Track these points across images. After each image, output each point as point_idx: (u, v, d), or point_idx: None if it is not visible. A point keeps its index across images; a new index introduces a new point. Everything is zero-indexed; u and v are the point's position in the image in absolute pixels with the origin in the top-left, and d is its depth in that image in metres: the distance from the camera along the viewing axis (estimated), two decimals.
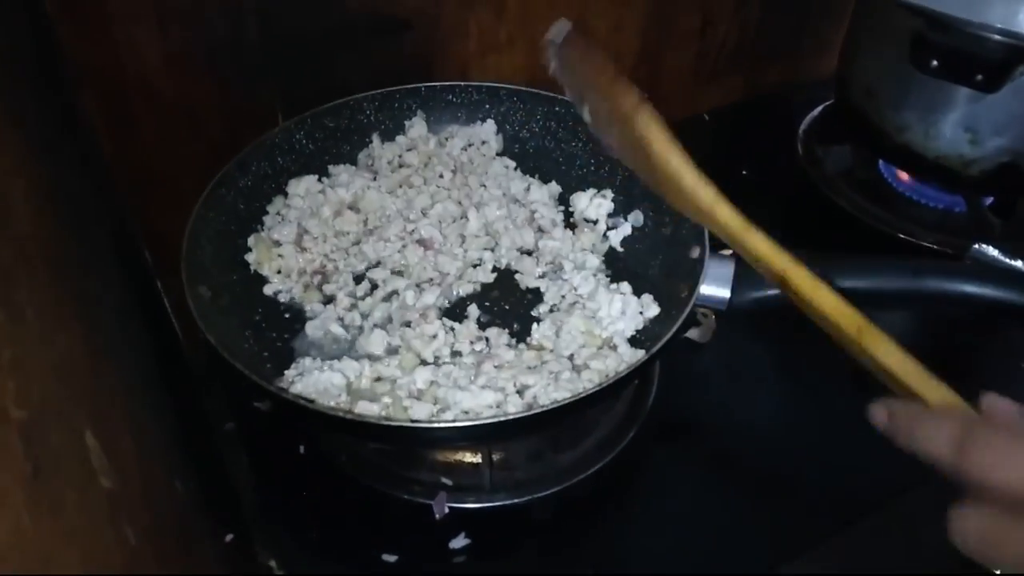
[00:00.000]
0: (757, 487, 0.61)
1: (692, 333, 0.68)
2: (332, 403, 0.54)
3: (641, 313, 0.61)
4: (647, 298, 0.62)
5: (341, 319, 0.62)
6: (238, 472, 0.60)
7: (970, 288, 0.52)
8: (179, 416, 0.49)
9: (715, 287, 0.57)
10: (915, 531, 0.56)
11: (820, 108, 0.95)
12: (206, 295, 0.58)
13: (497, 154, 0.76)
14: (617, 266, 0.67)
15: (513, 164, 0.75)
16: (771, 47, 0.99)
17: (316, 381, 0.54)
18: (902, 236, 0.79)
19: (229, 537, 0.48)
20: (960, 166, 0.75)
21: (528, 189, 0.72)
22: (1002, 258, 0.67)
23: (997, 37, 0.66)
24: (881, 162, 0.87)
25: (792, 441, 0.64)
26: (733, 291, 0.56)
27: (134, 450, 0.31)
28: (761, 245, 0.46)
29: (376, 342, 0.59)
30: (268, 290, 0.64)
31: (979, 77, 0.68)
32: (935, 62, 0.70)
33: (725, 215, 0.48)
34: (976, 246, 0.69)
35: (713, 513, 0.59)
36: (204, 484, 0.47)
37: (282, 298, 0.63)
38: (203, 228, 0.61)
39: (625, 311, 0.61)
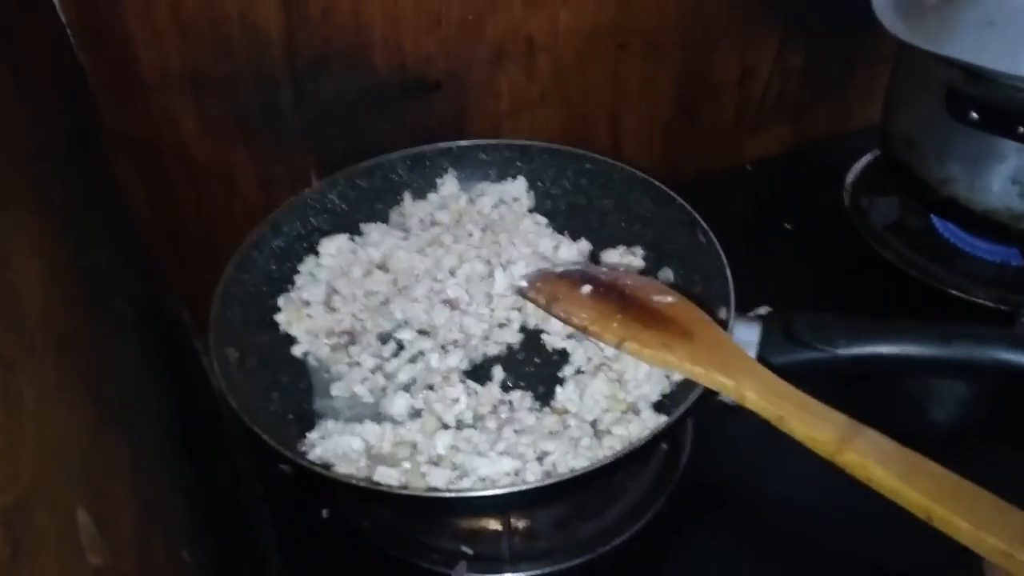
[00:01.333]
0: (794, 561, 0.59)
1: (726, 395, 0.67)
2: (352, 468, 0.54)
3: (668, 376, 0.61)
4: None
5: (366, 380, 0.63)
6: (265, 537, 0.61)
7: (1006, 355, 0.51)
8: (201, 482, 0.51)
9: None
10: None
11: (868, 157, 0.93)
12: (233, 356, 0.60)
13: (528, 211, 0.77)
14: None
15: (544, 221, 0.76)
16: (815, 95, 0.98)
17: (336, 445, 0.55)
18: (954, 292, 0.76)
19: None
20: (1010, 220, 0.72)
21: (557, 247, 0.73)
22: None
23: None
24: (934, 217, 0.85)
25: (832, 513, 0.61)
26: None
27: (135, 523, 0.32)
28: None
29: (399, 405, 0.60)
30: (296, 351, 0.66)
31: (1021, 129, 0.66)
32: (974, 114, 0.68)
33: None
34: None
35: None
36: (219, 552, 0.48)
37: (310, 360, 0.65)
38: (234, 290, 0.63)
39: (651, 374, 0.60)
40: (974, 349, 0.51)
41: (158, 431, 0.44)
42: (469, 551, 0.58)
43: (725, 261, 0.60)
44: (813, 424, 0.47)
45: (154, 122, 0.65)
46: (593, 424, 0.57)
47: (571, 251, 0.72)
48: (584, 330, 0.59)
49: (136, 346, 0.47)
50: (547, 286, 0.63)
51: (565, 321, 0.60)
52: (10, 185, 0.32)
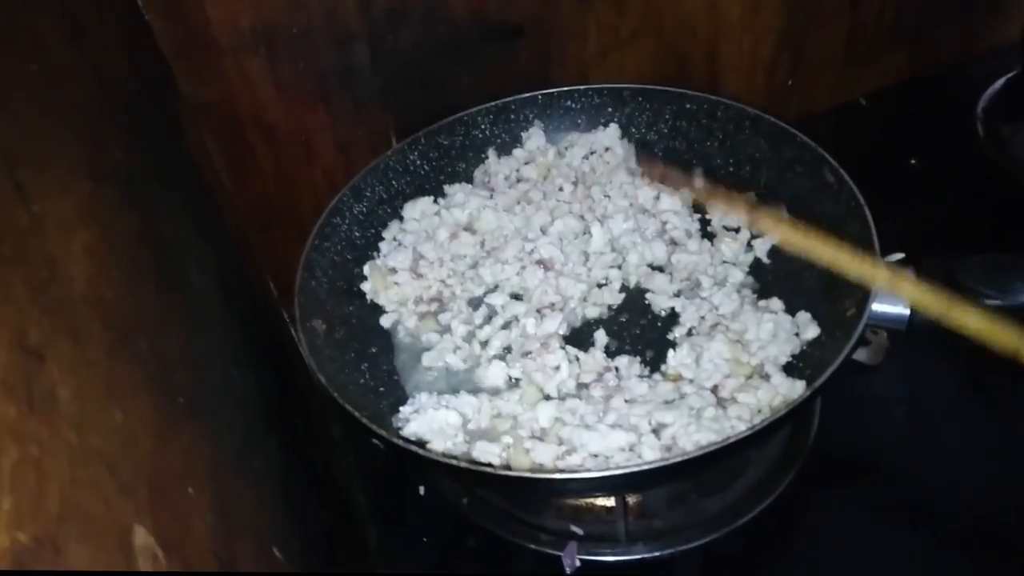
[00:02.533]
0: (950, 538, 0.50)
1: (860, 354, 0.58)
2: (448, 443, 0.49)
3: (797, 335, 0.52)
4: (804, 317, 0.53)
5: (458, 350, 0.57)
6: (360, 512, 0.57)
7: None
8: (292, 465, 0.46)
9: (891, 303, 0.47)
10: None
11: (1003, 81, 0.81)
12: (320, 328, 0.56)
13: (623, 161, 0.69)
14: (766, 280, 0.58)
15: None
16: (939, 16, 0.85)
17: (431, 420, 0.50)
18: None
19: None
20: None
21: (658, 197, 0.65)
22: None
23: None
24: None
25: (987, 485, 0.52)
26: (914, 307, 0.46)
27: (211, 528, 0.27)
28: None
29: (495, 374, 0.54)
30: (384, 321, 0.60)
31: None
32: None
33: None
34: None
35: (891, 572, 0.49)
36: (315, 537, 0.43)
37: (399, 330, 0.60)
38: (318, 259, 0.59)
39: (777, 333, 0.52)
40: None
41: (244, 417, 0.39)
42: (579, 531, 0.52)
43: (863, 201, 0.51)
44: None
45: (229, 86, 0.60)
46: (714, 391, 0.50)
47: (674, 201, 0.64)
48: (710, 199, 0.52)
49: (218, 325, 0.43)
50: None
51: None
52: (52, 142, 0.27)
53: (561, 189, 0.67)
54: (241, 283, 0.55)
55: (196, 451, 0.29)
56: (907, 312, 0.47)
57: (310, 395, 0.63)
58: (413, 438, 0.49)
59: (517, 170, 0.69)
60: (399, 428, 0.51)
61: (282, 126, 0.65)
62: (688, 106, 0.66)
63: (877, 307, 0.46)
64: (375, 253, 0.64)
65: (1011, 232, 0.69)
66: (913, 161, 0.76)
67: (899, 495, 0.53)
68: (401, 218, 0.66)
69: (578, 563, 0.50)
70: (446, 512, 0.55)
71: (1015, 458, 0.54)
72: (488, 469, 0.44)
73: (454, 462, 0.43)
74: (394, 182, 0.67)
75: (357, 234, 0.64)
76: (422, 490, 0.56)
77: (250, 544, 0.31)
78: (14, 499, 0.17)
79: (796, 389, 0.48)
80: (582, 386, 0.53)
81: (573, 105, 0.70)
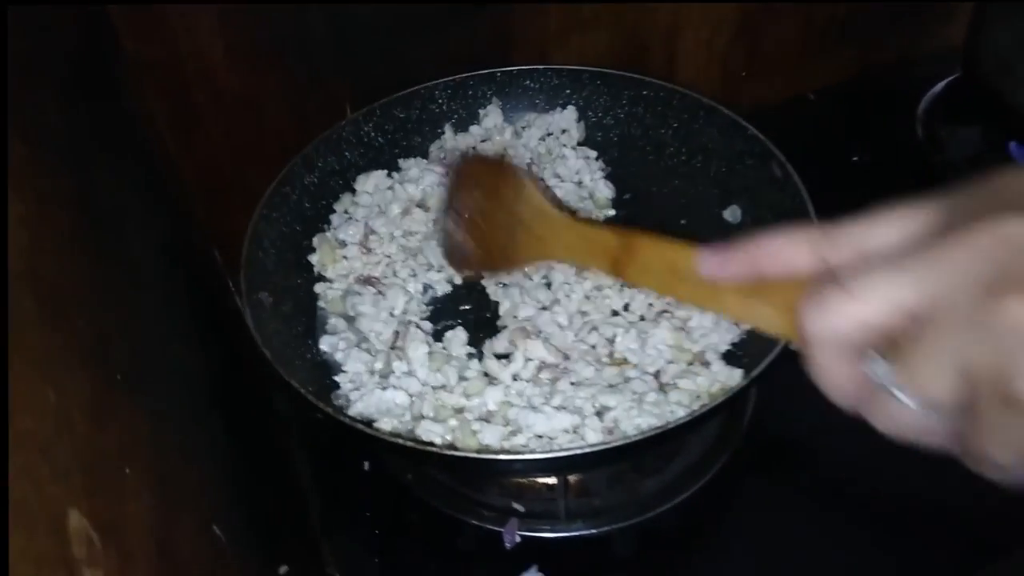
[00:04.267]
0: (873, 521, 0.53)
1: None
2: (396, 423, 0.49)
3: (738, 325, 0.53)
4: None
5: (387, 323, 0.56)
6: (303, 487, 0.56)
7: None
8: (234, 438, 0.45)
9: None
10: None
11: (944, 84, 0.83)
12: (267, 301, 0.55)
13: (578, 143, 0.69)
14: None
15: (594, 154, 0.68)
16: (890, 16, 0.87)
17: (379, 400, 0.50)
18: None
19: (284, 569, 0.44)
20: None
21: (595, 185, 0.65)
22: None
23: None
24: (1013, 145, 0.74)
25: (911, 469, 0.54)
26: None
27: (150, 509, 0.26)
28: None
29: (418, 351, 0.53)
30: (317, 289, 0.59)
31: None
32: None
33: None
34: None
35: (818, 552, 0.51)
36: (258, 514, 0.43)
37: (320, 304, 0.59)
38: (266, 230, 0.58)
39: (719, 321, 0.53)
40: None
41: (186, 393, 0.38)
42: (520, 508, 0.53)
43: (807, 196, 0.52)
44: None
45: (176, 45, 0.58)
46: (656, 376, 0.50)
47: (609, 190, 0.64)
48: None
49: (160, 297, 0.41)
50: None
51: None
52: None
53: None
54: (186, 253, 0.53)
55: (134, 430, 0.29)
56: None
57: (253, 368, 0.62)
58: (360, 417, 0.48)
59: (473, 148, 0.69)
60: (342, 405, 0.50)
61: (232, 91, 0.62)
62: (645, 92, 0.67)
63: None
64: (325, 226, 0.63)
65: None
66: (855, 157, 0.78)
67: (824, 477, 0.56)
68: (353, 191, 0.65)
69: (518, 539, 0.51)
70: (390, 487, 0.55)
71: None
72: (436, 449, 0.44)
73: (402, 442, 0.43)
74: (347, 153, 0.65)
75: (307, 205, 0.63)
76: (367, 465, 0.56)
77: (190, 523, 0.31)
78: None
79: (734, 377, 0.49)
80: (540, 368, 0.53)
81: (532, 85, 0.70)
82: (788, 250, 0.30)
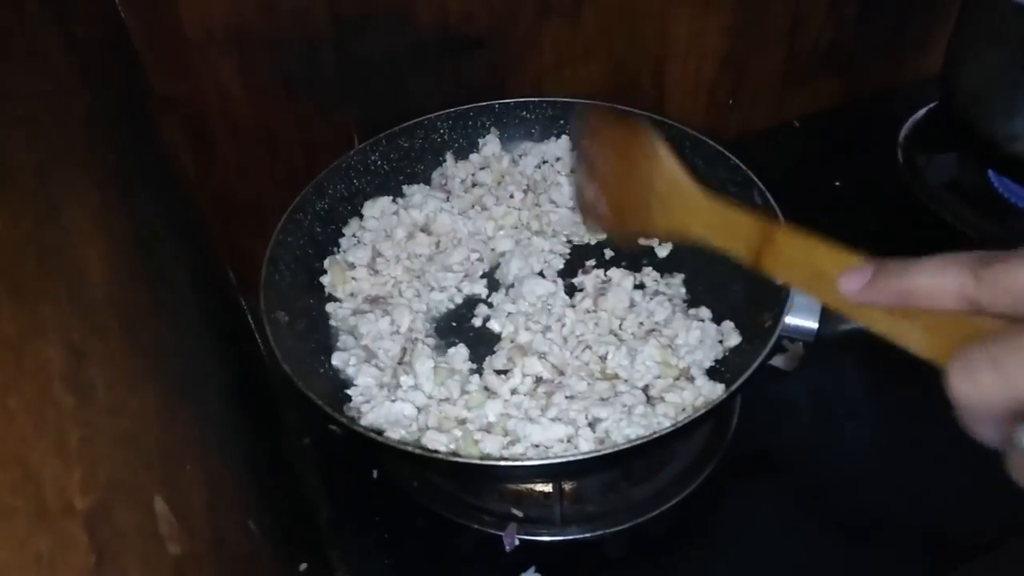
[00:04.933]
0: (845, 528, 0.58)
1: (777, 360, 0.66)
2: (403, 432, 0.54)
3: (721, 342, 0.59)
4: (728, 326, 0.60)
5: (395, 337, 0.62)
6: (313, 491, 0.62)
7: None
8: (255, 443, 0.51)
9: (802, 317, 0.54)
10: None
11: (924, 111, 0.89)
12: (283, 319, 0.60)
13: (571, 171, 0.75)
14: (696, 290, 0.65)
15: None
16: (870, 46, 0.93)
17: (388, 411, 0.55)
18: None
19: (303, 567, 0.49)
20: None
21: None
22: None
23: None
24: (992, 173, 0.81)
25: (884, 479, 0.60)
26: (822, 322, 0.54)
27: (206, 502, 0.32)
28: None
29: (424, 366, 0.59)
30: (328, 308, 0.65)
31: None
32: None
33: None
34: None
35: (797, 555, 0.56)
36: (279, 514, 0.48)
37: (331, 322, 0.64)
38: (281, 254, 0.63)
39: (704, 340, 0.59)
40: None
41: (219, 400, 0.44)
42: (519, 513, 0.58)
43: (783, 221, 0.58)
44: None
45: (198, 82, 0.64)
46: (645, 390, 0.56)
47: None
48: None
49: (194, 314, 0.47)
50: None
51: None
52: (70, 157, 0.31)
53: (512, 196, 0.73)
54: (208, 275, 0.59)
55: (189, 434, 0.34)
56: (815, 325, 0.54)
57: (266, 383, 0.67)
58: (371, 427, 0.54)
59: (473, 174, 0.74)
60: (354, 416, 0.56)
61: (248, 123, 0.68)
62: None
63: (790, 320, 0.53)
64: (335, 249, 0.69)
65: (921, 252, 0.77)
66: (838, 183, 0.85)
67: (804, 486, 0.61)
68: (361, 216, 0.71)
69: (517, 542, 0.56)
70: (397, 495, 0.60)
71: (904, 455, 0.62)
72: (441, 456, 0.50)
73: (411, 449, 0.49)
74: (355, 181, 0.71)
75: (318, 230, 0.68)
76: (375, 473, 0.61)
77: (232, 517, 0.36)
78: (80, 471, 0.21)
79: (716, 391, 0.55)
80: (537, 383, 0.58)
81: (528, 115, 0.76)
82: (935, 282, 0.29)
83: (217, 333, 0.52)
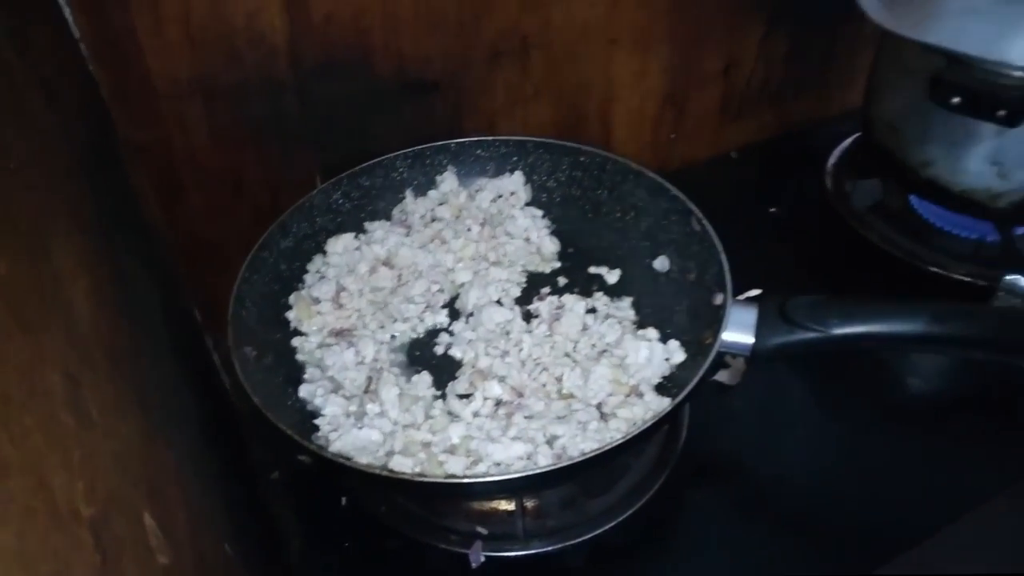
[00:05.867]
0: (791, 529, 0.62)
1: (721, 375, 0.70)
2: (371, 458, 0.57)
3: (667, 360, 0.63)
4: (673, 344, 0.64)
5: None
6: (284, 522, 0.63)
7: (993, 332, 0.53)
8: (227, 475, 0.53)
9: (738, 333, 0.58)
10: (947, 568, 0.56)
11: (849, 141, 0.96)
12: (251, 355, 0.62)
13: (525, 204, 0.79)
14: (644, 312, 0.69)
15: (540, 213, 0.78)
16: (798, 82, 1.00)
17: (356, 438, 0.57)
18: (933, 269, 0.79)
19: None
20: (988, 199, 0.75)
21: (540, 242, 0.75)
22: None
23: (1017, 74, 0.67)
24: (914, 197, 0.87)
25: (824, 482, 0.64)
26: (756, 337, 0.58)
27: (187, 523, 0.34)
28: None
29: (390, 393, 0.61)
30: (294, 343, 0.67)
31: (1001, 113, 0.68)
32: (956, 99, 0.70)
33: None
34: (1008, 277, 0.70)
35: (748, 557, 0.60)
36: (253, 541, 0.50)
37: (298, 356, 0.66)
38: (248, 291, 0.65)
39: (652, 358, 0.63)
40: (964, 326, 0.53)
41: (194, 432, 0.46)
42: (483, 531, 0.60)
43: (720, 248, 0.63)
44: None
45: (166, 130, 0.66)
46: (599, 407, 0.59)
47: (554, 245, 0.75)
48: None
49: (168, 350, 0.49)
50: None
51: None
52: (53, 205, 0.33)
53: (469, 229, 0.76)
54: (178, 314, 0.61)
55: (168, 459, 0.36)
56: (752, 340, 0.58)
57: (234, 419, 0.69)
58: (340, 454, 0.56)
59: (432, 210, 0.78)
60: (323, 444, 0.58)
61: (214, 168, 0.71)
62: (582, 159, 0.77)
63: (727, 336, 0.57)
64: (300, 284, 0.71)
65: (850, 272, 0.83)
66: (773, 209, 0.90)
67: (750, 493, 0.65)
68: (325, 252, 0.73)
69: (483, 558, 0.59)
70: (366, 520, 0.62)
71: (842, 460, 0.66)
72: (407, 477, 0.52)
73: (378, 471, 0.51)
74: (318, 219, 0.74)
75: (283, 267, 0.71)
76: (344, 501, 0.63)
77: (210, 539, 0.38)
78: (83, 483, 0.23)
79: (664, 404, 0.58)
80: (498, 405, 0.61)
81: (483, 153, 0.79)
82: None
83: (189, 370, 0.54)
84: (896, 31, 0.71)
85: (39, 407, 0.22)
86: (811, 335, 0.56)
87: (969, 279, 0.77)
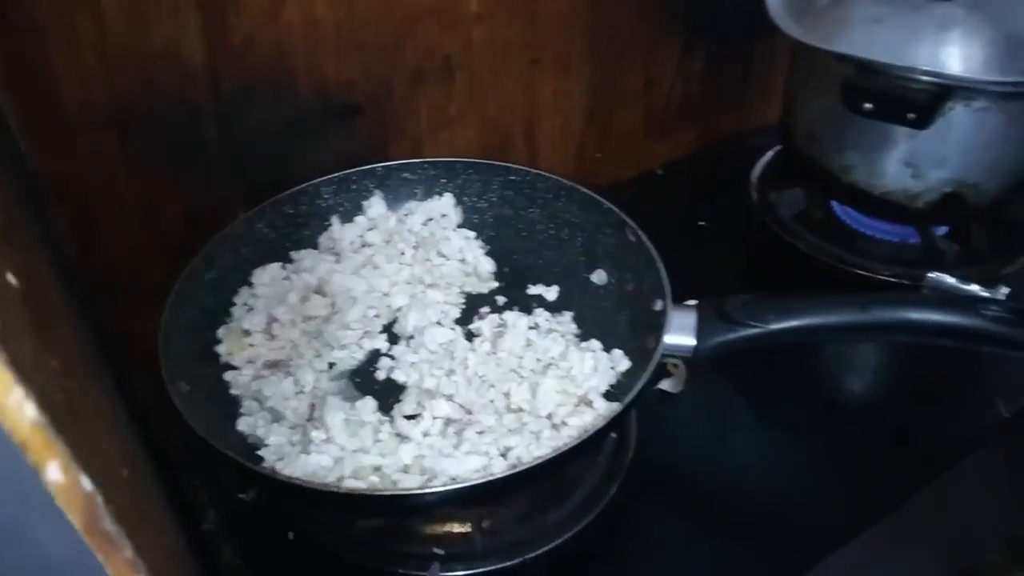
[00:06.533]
0: (739, 531, 0.69)
1: (665, 384, 0.78)
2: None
3: (612, 368, 0.70)
4: (617, 353, 0.71)
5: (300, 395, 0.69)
6: (228, 567, 0.67)
7: (914, 315, 0.63)
8: (173, 516, 0.56)
9: (680, 336, 0.66)
10: (883, 559, 0.65)
11: (771, 153, 1.07)
12: (184, 389, 0.65)
13: (457, 226, 0.86)
14: (586, 325, 0.76)
15: (473, 234, 0.85)
16: (718, 97, 1.12)
17: (304, 464, 0.62)
18: (859, 272, 0.90)
19: None
20: (906, 200, 0.87)
21: (476, 262, 0.82)
22: (958, 284, 0.78)
23: (923, 78, 0.79)
24: (836, 203, 0.99)
25: (768, 482, 0.73)
26: (698, 338, 0.66)
27: (161, 559, 0.38)
28: None
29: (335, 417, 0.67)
30: (227, 377, 0.71)
31: (911, 116, 0.80)
32: (868, 105, 0.82)
33: None
34: (930, 275, 0.81)
35: (700, 560, 0.67)
36: None
37: (232, 390, 0.70)
38: (176, 324, 0.68)
39: (597, 368, 0.70)
40: (888, 312, 0.63)
41: (139, 471, 0.49)
42: (440, 552, 0.65)
43: (656, 256, 0.71)
44: None
45: (79, 160, 0.70)
46: (549, 418, 0.66)
47: (490, 265, 0.82)
48: None
49: (109, 386, 0.53)
50: None
51: None
52: None
53: (403, 253, 0.83)
54: (108, 352, 0.64)
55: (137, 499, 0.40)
56: (693, 342, 0.66)
57: (166, 461, 0.72)
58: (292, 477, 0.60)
59: (361, 235, 0.84)
60: (277, 472, 0.62)
61: (131, 199, 0.75)
62: (512, 178, 0.84)
63: (669, 339, 0.65)
64: (227, 318, 0.75)
65: (776, 274, 0.94)
66: (702, 222, 1.00)
67: (697, 498, 0.72)
68: (251, 284, 0.78)
69: None
70: (316, 552, 0.67)
71: (784, 464, 0.75)
72: (369, 492, 0.57)
73: (335, 489, 0.56)
74: (242, 250, 0.78)
75: (209, 300, 0.74)
76: (291, 535, 0.67)
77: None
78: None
79: (614, 410, 0.66)
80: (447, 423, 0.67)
81: (410, 176, 0.86)
82: None
83: (122, 406, 0.58)
84: (808, 42, 0.82)
85: None
86: (750, 331, 0.64)
87: (895, 279, 0.89)
